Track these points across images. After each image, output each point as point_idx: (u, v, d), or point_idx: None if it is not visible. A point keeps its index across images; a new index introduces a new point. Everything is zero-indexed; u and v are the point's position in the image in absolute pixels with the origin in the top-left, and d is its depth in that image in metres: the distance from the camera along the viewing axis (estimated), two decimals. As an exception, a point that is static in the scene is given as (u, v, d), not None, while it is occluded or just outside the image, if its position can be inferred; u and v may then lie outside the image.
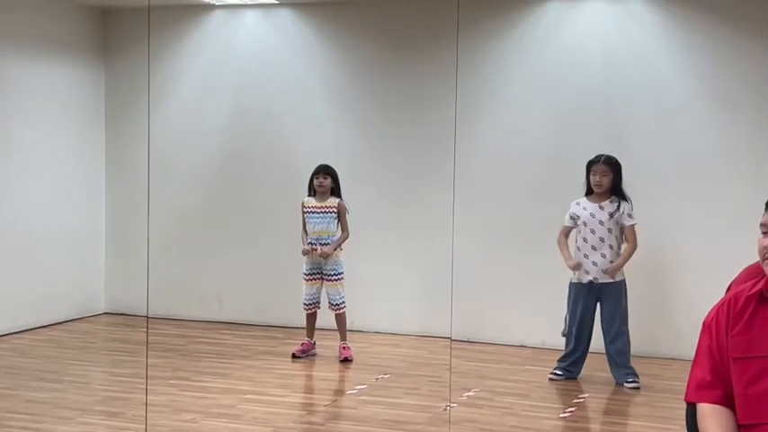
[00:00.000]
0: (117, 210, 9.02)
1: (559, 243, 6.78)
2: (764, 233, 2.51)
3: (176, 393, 6.21)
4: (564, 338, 6.78)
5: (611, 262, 6.55)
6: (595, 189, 6.62)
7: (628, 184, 7.13)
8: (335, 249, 7.23)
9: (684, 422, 2.96)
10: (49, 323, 8.38)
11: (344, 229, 7.29)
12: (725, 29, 7.33)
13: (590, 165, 6.67)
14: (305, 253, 7.26)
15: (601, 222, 6.57)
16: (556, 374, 6.74)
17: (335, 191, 7.29)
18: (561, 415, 5.91)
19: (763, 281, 2.54)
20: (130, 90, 8.81)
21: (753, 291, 2.55)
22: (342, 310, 7.29)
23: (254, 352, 7.56)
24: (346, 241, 7.29)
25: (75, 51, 8.75)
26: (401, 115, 8.20)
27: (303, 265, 7.32)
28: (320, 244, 7.21)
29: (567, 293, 6.74)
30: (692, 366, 2.62)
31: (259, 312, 8.60)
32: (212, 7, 8.63)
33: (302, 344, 7.39)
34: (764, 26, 7.22)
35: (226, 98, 8.69)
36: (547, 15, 7.78)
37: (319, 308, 7.37)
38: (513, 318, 7.87)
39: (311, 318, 7.38)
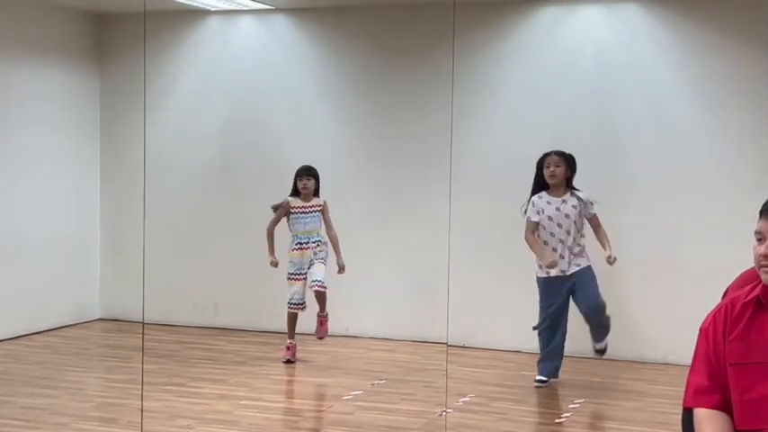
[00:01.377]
0: (112, 215, 9.00)
1: (530, 242, 6.71)
2: (759, 240, 2.51)
3: (171, 399, 6.20)
4: (536, 333, 6.76)
5: (577, 253, 6.55)
6: (550, 181, 6.61)
7: (623, 187, 7.18)
8: (340, 255, 7.34)
9: (681, 427, 2.96)
10: (43, 329, 8.36)
11: (330, 227, 7.38)
12: (718, 34, 7.35)
13: (543, 159, 6.67)
14: (274, 264, 7.33)
15: (567, 216, 6.57)
16: (541, 381, 6.69)
17: (317, 191, 7.40)
18: (557, 420, 5.91)
19: (759, 287, 2.54)
20: (125, 95, 8.80)
21: (749, 297, 2.55)
22: (323, 289, 7.27)
23: (250, 358, 7.55)
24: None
25: (70, 57, 8.74)
26: (397, 119, 8.20)
27: (290, 265, 7.33)
28: (312, 242, 7.29)
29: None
30: (690, 372, 2.63)
31: (254, 318, 8.59)
32: (207, 13, 8.63)
33: (287, 347, 7.38)
34: (756, 30, 7.24)
35: (221, 103, 8.68)
36: (542, 20, 7.79)
37: (305, 309, 7.37)
38: (508, 323, 7.87)
39: (294, 318, 7.39)
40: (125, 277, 8.69)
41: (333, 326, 7.56)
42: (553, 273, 6.60)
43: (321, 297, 7.37)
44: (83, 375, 6.98)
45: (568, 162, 6.65)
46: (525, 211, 6.71)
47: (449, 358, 7.01)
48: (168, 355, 7.55)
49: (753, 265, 2.79)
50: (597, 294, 6.62)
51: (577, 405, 6.27)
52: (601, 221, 6.70)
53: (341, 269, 7.35)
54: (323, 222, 7.39)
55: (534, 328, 6.78)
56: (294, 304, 7.37)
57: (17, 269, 8.08)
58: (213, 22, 8.67)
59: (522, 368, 7.27)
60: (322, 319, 7.46)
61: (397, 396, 6.42)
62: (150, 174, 8.29)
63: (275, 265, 7.35)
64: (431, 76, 7.97)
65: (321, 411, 6.10)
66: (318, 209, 7.37)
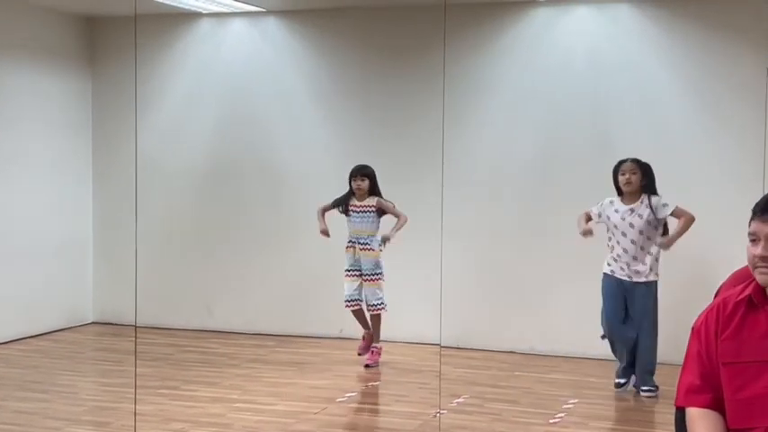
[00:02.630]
0: (104, 219, 8.98)
1: (578, 218, 6.68)
2: (753, 241, 2.51)
3: (165, 403, 6.19)
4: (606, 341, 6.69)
5: (643, 264, 6.47)
6: (624, 188, 6.52)
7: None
8: (397, 230, 7.21)
9: (674, 427, 2.97)
10: (36, 333, 8.34)
11: (399, 215, 7.26)
12: (710, 33, 7.37)
13: (618, 165, 6.59)
14: (323, 233, 7.31)
15: (631, 225, 6.49)
16: (618, 384, 6.60)
17: (374, 191, 7.31)
18: (551, 421, 5.91)
19: (751, 286, 2.54)
20: (117, 98, 8.78)
21: (742, 296, 2.56)
22: (378, 311, 7.27)
23: (244, 360, 7.54)
24: (403, 228, 7.23)
25: (62, 59, 8.73)
26: (389, 121, 8.20)
27: (346, 260, 7.31)
28: (359, 243, 7.25)
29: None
30: (682, 371, 2.63)
31: (248, 321, 8.58)
32: (199, 15, 8.62)
33: (363, 338, 7.38)
34: (749, 31, 7.25)
35: (213, 106, 8.67)
36: (535, 21, 7.80)
37: (361, 304, 7.32)
38: (502, 324, 7.87)
39: (357, 314, 7.35)
40: (118, 280, 8.66)
41: (327, 327, 7.55)
42: (617, 274, 6.50)
43: (374, 321, 7.32)
44: (76, 379, 6.96)
45: (644, 170, 6.55)
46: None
47: (442, 359, 7.01)
48: (161, 359, 7.54)
49: (745, 264, 2.79)
50: (649, 331, 6.51)
51: (571, 405, 6.28)
52: (685, 211, 6.55)
53: (384, 240, 7.22)
54: (378, 224, 7.29)
55: (603, 338, 6.70)
56: (347, 301, 7.32)
57: (9, 273, 8.06)
58: (205, 24, 8.66)
59: (516, 369, 7.28)
60: (372, 348, 7.33)
61: (391, 397, 6.42)
62: (142, 176, 8.25)
63: (324, 233, 7.30)
64: (423, 77, 7.97)
65: (315, 413, 6.09)
66: (370, 209, 7.28)
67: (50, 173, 8.59)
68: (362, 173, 7.29)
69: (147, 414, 5.83)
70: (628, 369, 6.59)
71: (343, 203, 7.33)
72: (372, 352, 7.31)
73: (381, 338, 7.43)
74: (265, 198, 8.47)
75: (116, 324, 8.82)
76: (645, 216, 6.48)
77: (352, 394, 6.50)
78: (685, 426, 2.60)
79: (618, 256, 6.52)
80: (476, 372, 7.20)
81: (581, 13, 7.71)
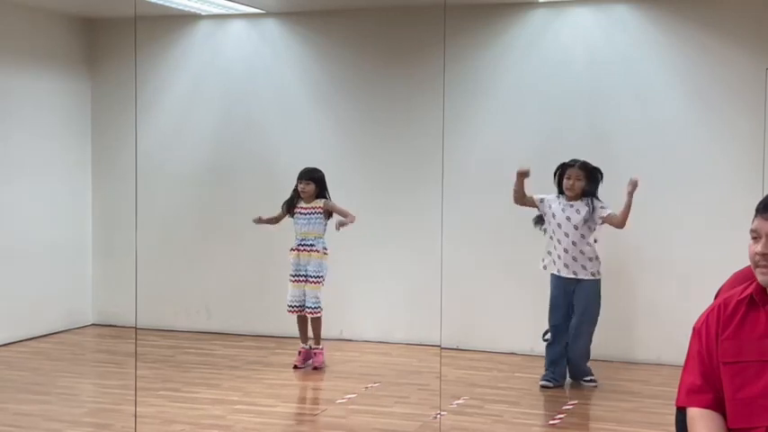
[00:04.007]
0: (104, 220, 8.98)
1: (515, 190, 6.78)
2: (754, 239, 2.51)
3: (166, 405, 6.18)
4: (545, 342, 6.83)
5: (589, 259, 6.63)
6: (567, 193, 6.70)
7: (613, 187, 7.17)
8: (342, 225, 7.12)
9: (674, 427, 2.97)
10: (36, 335, 8.34)
11: (347, 214, 7.19)
12: (708, 34, 7.37)
13: (564, 167, 6.74)
14: (255, 220, 7.41)
15: (575, 227, 6.65)
16: (545, 384, 6.73)
17: (321, 194, 7.29)
18: (551, 422, 5.91)
19: (752, 285, 2.55)
20: (117, 100, 8.78)
21: (743, 295, 2.56)
22: (317, 314, 7.23)
23: (244, 362, 7.54)
24: (348, 226, 7.17)
25: (61, 61, 8.73)
26: (388, 122, 8.20)
27: (290, 265, 7.30)
28: (305, 245, 7.23)
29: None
30: (683, 371, 2.63)
31: (248, 322, 8.58)
32: (199, 17, 8.62)
33: (299, 352, 7.32)
34: (747, 31, 7.26)
35: (212, 108, 8.68)
36: (533, 22, 7.81)
37: (302, 311, 7.29)
38: (502, 325, 7.88)
39: (301, 320, 7.32)
40: (118, 282, 8.67)
41: (327, 329, 7.54)
42: (552, 271, 6.72)
43: (315, 324, 7.26)
44: (76, 381, 6.96)
45: (590, 176, 6.68)
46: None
47: (443, 361, 7.02)
48: (162, 360, 7.54)
49: (745, 265, 2.79)
50: (585, 334, 6.68)
51: (571, 406, 6.28)
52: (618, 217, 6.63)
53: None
54: (325, 226, 7.26)
55: (543, 339, 6.84)
56: (290, 306, 7.30)
57: (9, 274, 8.06)
58: (204, 26, 8.67)
59: (516, 370, 7.28)
60: (315, 351, 7.30)
61: (391, 399, 6.42)
62: (142, 178, 8.26)
63: (256, 220, 7.41)
64: (422, 78, 7.97)
65: (315, 415, 6.09)
66: (317, 211, 7.27)
67: (50, 174, 8.59)
68: (309, 176, 7.28)
69: (148, 416, 5.83)
70: (557, 370, 6.73)
71: (289, 205, 7.33)
72: (316, 354, 7.25)
73: (382, 340, 7.43)
74: (265, 200, 8.45)
75: (116, 326, 8.82)
76: (582, 213, 6.63)
77: (353, 395, 6.50)
78: (686, 426, 2.61)
79: (565, 252, 6.66)
80: (476, 373, 7.20)
81: (579, 14, 7.72)
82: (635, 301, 7.42)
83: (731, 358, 2.51)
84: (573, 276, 6.67)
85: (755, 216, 2.52)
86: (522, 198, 6.79)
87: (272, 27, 8.50)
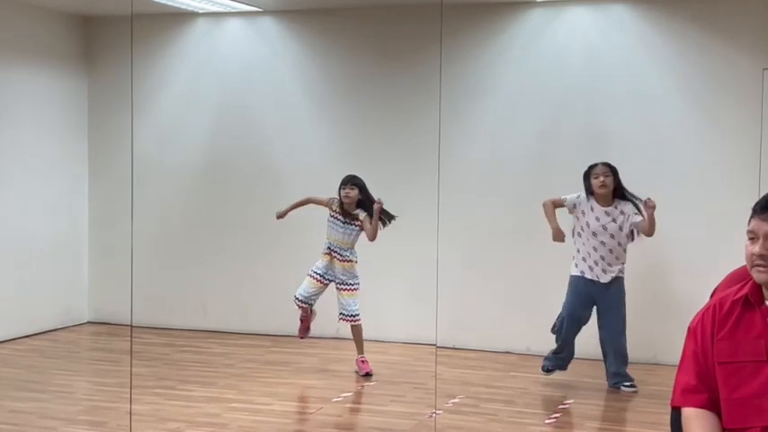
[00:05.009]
0: (100, 218, 8.98)
1: (546, 208, 6.76)
2: (751, 239, 2.52)
3: (161, 402, 6.18)
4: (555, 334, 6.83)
5: (609, 264, 6.61)
6: (600, 191, 6.61)
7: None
8: (377, 225, 6.99)
9: (669, 427, 2.97)
10: (32, 333, 8.33)
11: (371, 232, 7.01)
12: (705, 34, 7.38)
13: (589, 169, 6.69)
14: (278, 215, 7.23)
15: (604, 228, 6.62)
16: (546, 370, 6.80)
17: (362, 202, 7.06)
18: (546, 421, 5.92)
19: (747, 285, 2.55)
20: (113, 98, 8.78)
21: (738, 295, 2.56)
22: (357, 322, 7.08)
23: (239, 360, 7.54)
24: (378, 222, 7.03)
25: (58, 59, 8.72)
26: (385, 121, 8.20)
27: (316, 263, 7.12)
28: (338, 253, 7.06)
29: (555, 291, 6.81)
30: (678, 371, 2.63)
31: (244, 321, 8.58)
32: (195, 15, 8.62)
33: (301, 319, 7.24)
34: (744, 32, 7.27)
35: (209, 106, 8.67)
36: (530, 21, 7.81)
37: (307, 310, 7.20)
38: (497, 324, 7.88)
39: (305, 312, 7.21)
40: (114, 280, 8.66)
41: (323, 328, 7.54)
42: (587, 275, 6.64)
43: (356, 332, 7.11)
44: (71, 379, 6.95)
45: (615, 172, 6.66)
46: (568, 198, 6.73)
47: (438, 360, 7.02)
48: (157, 359, 7.53)
49: (740, 264, 2.80)
50: (618, 328, 6.67)
51: (567, 405, 6.29)
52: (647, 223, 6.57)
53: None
54: (358, 237, 7.09)
55: (552, 331, 6.82)
56: (298, 299, 7.14)
57: (5, 272, 8.05)
58: (201, 24, 8.66)
59: (512, 369, 7.29)
60: (362, 359, 7.13)
61: (386, 398, 6.42)
62: (138, 176, 8.27)
63: (279, 215, 7.21)
64: (419, 77, 7.98)
65: (311, 413, 6.09)
66: (355, 224, 7.05)
67: (46, 172, 8.58)
68: (353, 182, 7.05)
69: (143, 414, 5.82)
70: (557, 363, 6.79)
71: (327, 205, 7.11)
72: (363, 362, 7.11)
73: (378, 339, 7.42)
74: (261, 198, 8.47)
75: (112, 324, 8.81)
76: (618, 222, 6.61)
77: (348, 394, 6.50)
78: (681, 426, 2.61)
79: (587, 254, 6.64)
80: (471, 372, 7.20)
81: (577, 14, 7.72)
82: (630, 300, 7.41)
83: (726, 358, 2.51)
84: (608, 281, 6.63)
85: (752, 217, 2.52)
86: (560, 236, 6.75)
87: (269, 25, 8.50)
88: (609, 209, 6.63)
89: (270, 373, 7.14)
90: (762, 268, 2.48)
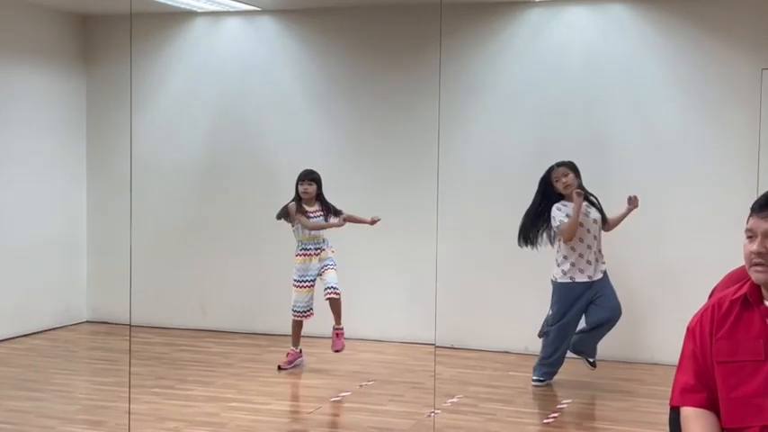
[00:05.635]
0: (98, 218, 8.97)
1: (567, 224, 6.58)
2: (750, 238, 2.52)
3: (159, 402, 6.18)
4: (541, 339, 6.81)
5: (600, 260, 6.66)
6: (565, 191, 6.62)
7: (609, 187, 7.20)
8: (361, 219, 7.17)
9: (668, 427, 2.97)
10: (30, 332, 8.32)
11: (344, 215, 7.18)
12: (704, 33, 7.38)
13: (550, 171, 6.69)
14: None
15: (595, 221, 6.64)
16: (540, 381, 6.75)
17: (320, 196, 7.21)
18: (545, 421, 5.92)
19: (746, 285, 2.55)
20: (112, 97, 8.77)
21: (737, 295, 2.56)
22: (338, 294, 7.11)
23: (238, 360, 7.54)
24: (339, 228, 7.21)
25: (56, 58, 8.71)
26: (384, 120, 8.20)
27: (295, 272, 7.18)
28: (312, 249, 7.13)
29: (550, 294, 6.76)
30: (677, 371, 2.63)
31: (242, 320, 8.58)
32: (194, 14, 8.61)
33: (288, 354, 7.29)
34: (743, 31, 7.27)
35: (208, 105, 8.67)
36: (529, 21, 7.81)
37: (311, 316, 7.22)
38: (496, 324, 7.88)
39: (299, 326, 7.25)
40: (112, 279, 8.66)
41: (320, 328, 7.54)
42: (579, 278, 6.58)
43: (336, 305, 7.15)
44: (70, 378, 6.95)
45: (575, 170, 6.68)
46: (555, 225, 6.62)
47: (437, 359, 7.02)
48: (156, 358, 7.53)
49: (739, 265, 2.80)
50: (618, 304, 6.68)
51: (565, 405, 6.29)
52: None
53: (372, 221, 7.21)
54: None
55: (540, 335, 6.80)
56: (297, 312, 7.18)
57: (3, 272, 8.05)
58: (200, 23, 8.66)
59: (510, 369, 7.29)
60: (338, 331, 7.20)
61: (385, 397, 6.42)
62: (137, 175, 8.26)
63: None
64: (418, 76, 7.97)
65: (309, 413, 6.09)
66: (320, 214, 7.17)
67: (45, 171, 8.58)
68: (311, 177, 7.15)
69: (142, 413, 5.82)
70: (551, 371, 6.75)
71: (294, 211, 7.12)
72: (338, 335, 7.17)
73: (377, 338, 7.41)
74: (260, 197, 8.47)
75: (110, 323, 8.81)
76: (599, 212, 6.71)
77: (347, 394, 6.50)
78: (680, 425, 2.61)
79: (580, 257, 6.58)
80: (470, 372, 7.21)
81: (576, 14, 7.72)
82: (629, 300, 7.41)
83: (725, 358, 2.51)
84: (599, 278, 6.64)
85: (750, 215, 2.52)
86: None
87: (267, 24, 8.49)
88: (585, 202, 6.68)
89: (268, 372, 7.13)
90: (760, 268, 2.48)
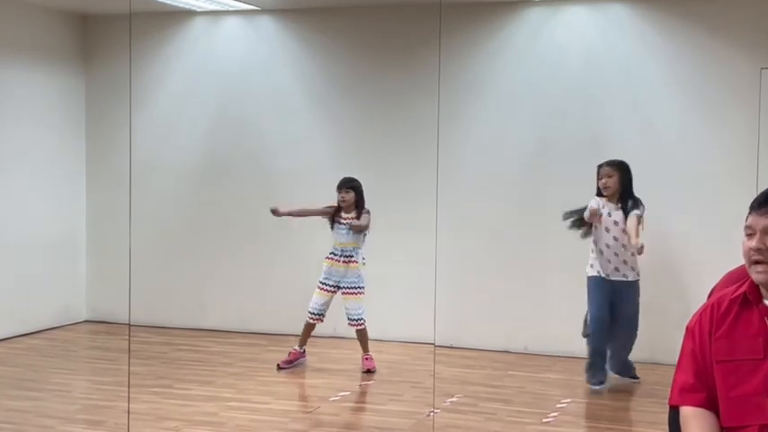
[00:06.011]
0: (98, 217, 8.97)
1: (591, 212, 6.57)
2: (749, 235, 2.51)
3: (159, 401, 6.18)
4: (585, 339, 6.74)
5: (624, 262, 6.57)
6: (604, 192, 6.61)
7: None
8: (362, 225, 7.08)
9: (668, 426, 2.97)
10: (29, 331, 8.32)
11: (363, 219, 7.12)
12: (704, 33, 7.38)
13: (598, 168, 6.69)
14: (274, 213, 7.19)
15: (616, 222, 6.57)
16: (594, 385, 6.61)
17: (359, 203, 7.17)
18: (544, 420, 5.92)
19: (746, 284, 2.55)
20: (111, 97, 8.77)
21: (736, 294, 2.56)
22: (362, 326, 7.15)
23: (237, 359, 7.53)
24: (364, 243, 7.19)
25: (56, 57, 8.71)
26: (383, 120, 8.20)
27: (322, 272, 7.19)
28: (343, 255, 7.13)
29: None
30: (676, 370, 2.63)
31: (242, 320, 8.57)
32: (193, 14, 8.61)
33: (289, 353, 7.27)
34: (743, 31, 7.27)
35: (207, 104, 8.66)
36: (528, 20, 7.81)
37: (323, 320, 7.23)
38: (496, 323, 7.88)
39: (310, 328, 7.25)
40: (111, 279, 8.65)
41: (320, 327, 7.54)
42: (599, 273, 6.56)
43: (362, 335, 7.18)
44: (69, 378, 6.95)
45: (621, 170, 6.62)
46: (584, 211, 6.58)
47: (436, 359, 7.01)
48: (155, 357, 7.53)
49: (738, 264, 2.79)
50: (634, 321, 6.61)
51: (564, 405, 6.28)
52: (641, 225, 6.54)
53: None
54: (364, 236, 7.17)
55: (584, 335, 6.74)
56: (312, 314, 7.19)
57: (2, 271, 8.04)
58: (199, 22, 8.65)
59: (510, 368, 7.29)
60: (366, 357, 7.19)
61: (384, 397, 6.42)
62: (136, 175, 8.24)
63: (274, 211, 7.17)
64: (417, 76, 7.97)
65: (309, 412, 6.09)
66: (350, 222, 7.14)
67: (44, 170, 8.57)
68: (349, 185, 7.17)
69: (141, 412, 5.82)
70: (602, 371, 6.66)
71: (333, 215, 7.18)
72: (367, 359, 7.18)
73: (376, 338, 7.40)
74: (259, 196, 8.46)
75: (109, 322, 8.81)
76: (619, 212, 6.60)
77: (346, 393, 6.50)
78: (679, 425, 2.61)
79: (600, 253, 6.60)
80: (470, 371, 7.20)
81: (575, 13, 7.72)
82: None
83: (724, 357, 2.51)
84: (623, 279, 6.59)
85: (750, 213, 2.53)
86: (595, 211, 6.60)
87: (266, 24, 8.49)
88: (616, 203, 6.62)
89: (268, 372, 7.13)
90: (761, 268, 2.47)
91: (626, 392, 6.59)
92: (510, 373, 7.16)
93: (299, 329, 7.39)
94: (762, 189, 2.66)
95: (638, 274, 6.68)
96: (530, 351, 7.66)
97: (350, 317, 7.15)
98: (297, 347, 7.28)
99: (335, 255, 7.16)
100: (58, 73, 8.73)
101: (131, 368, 6.35)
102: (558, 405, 6.26)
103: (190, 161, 8.71)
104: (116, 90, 8.65)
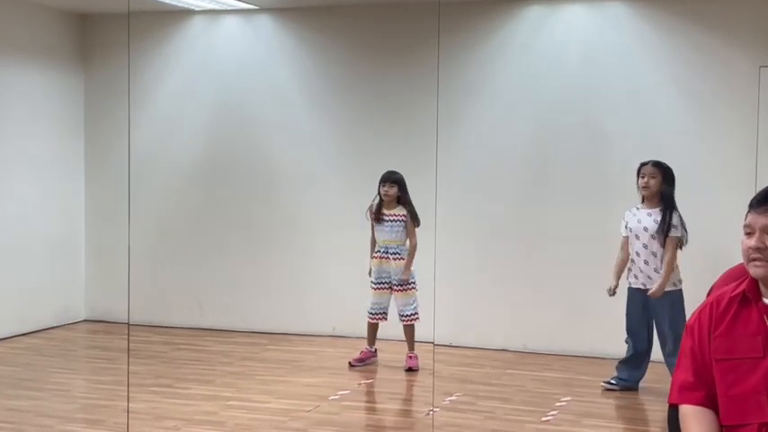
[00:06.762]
0: (97, 216, 8.96)
1: (617, 258, 6.50)
2: (748, 234, 2.52)
3: (158, 401, 6.18)
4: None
5: (656, 270, 6.33)
6: (642, 192, 6.41)
7: (608, 185, 7.18)
8: (410, 265, 7.06)
9: (667, 424, 2.97)
10: (28, 331, 8.32)
11: (412, 236, 7.11)
12: (703, 32, 7.38)
13: (640, 166, 6.49)
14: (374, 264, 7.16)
15: (645, 229, 6.38)
16: (610, 383, 6.56)
17: (402, 198, 7.14)
18: (543, 419, 5.92)
19: (745, 282, 2.55)
20: (110, 96, 8.76)
21: (735, 292, 2.56)
22: (412, 321, 7.12)
23: (237, 358, 7.53)
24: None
25: (55, 57, 8.71)
26: (382, 119, 8.20)
27: (372, 272, 7.18)
28: (390, 252, 7.11)
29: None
30: (675, 368, 2.64)
31: (241, 319, 8.57)
32: (192, 13, 8.60)
33: (361, 352, 7.27)
34: (741, 29, 7.27)
35: (206, 104, 8.66)
36: (527, 19, 7.80)
37: (386, 319, 7.21)
38: (495, 322, 7.88)
39: (374, 327, 7.26)
40: (110, 278, 8.65)
41: (320, 326, 7.55)
42: (634, 284, 6.41)
43: (408, 331, 7.15)
44: (68, 377, 6.95)
45: (663, 172, 6.39)
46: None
47: (436, 357, 7.02)
48: (154, 356, 7.53)
49: (737, 262, 2.80)
50: (673, 347, 6.11)
51: (564, 403, 6.29)
52: (676, 251, 6.34)
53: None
54: (407, 232, 7.12)
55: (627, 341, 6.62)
56: (371, 314, 7.20)
57: (1, 271, 8.04)
58: (198, 21, 8.65)
59: (509, 367, 7.29)
60: (410, 355, 7.17)
61: (384, 395, 6.42)
62: (135, 174, 8.25)
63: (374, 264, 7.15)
64: (416, 75, 7.97)
65: (308, 411, 6.09)
66: (400, 218, 7.12)
67: (42, 170, 8.57)
68: (392, 179, 7.08)
69: (140, 412, 5.82)
70: (626, 375, 6.52)
71: (376, 211, 7.12)
72: (411, 357, 7.15)
73: (377, 336, 7.41)
74: (258, 196, 8.47)
75: (108, 322, 8.81)
76: (659, 222, 6.34)
77: (345, 392, 6.50)
78: (678, 423, 2.61)
79: (632, 262, 6.44)
80: (469, 370, 7.21)
81: (574, 12, 7.72)
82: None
83: (724, 355, 2.51)
84: (652, 289, 6.28)
85: (749, 211, 2.53)
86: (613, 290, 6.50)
87: (265, 23, 8.49)
88: (652, 210, 6.39)
89: (267, 371, 7.13)
90: (759, 263, 2.48)
91: (625, 391, 6.59)
92: (509, 371, 7.16)
93: (298, 328, 7.40)
94: (761, 187, 2.66)
95: (678, 284, 6.37)
96: (529, 350, 7.67)
97: (400, 313, 7.13)
98: (367, 347, 7.28)
99: (383, 252, 7.12)
100: (57, 72, 8.73)
101: (131, 367, 6.35)
102: (558, 404, 6.26)
103: (189, 160, 8.71)
104: (115, 89, 8.64)
